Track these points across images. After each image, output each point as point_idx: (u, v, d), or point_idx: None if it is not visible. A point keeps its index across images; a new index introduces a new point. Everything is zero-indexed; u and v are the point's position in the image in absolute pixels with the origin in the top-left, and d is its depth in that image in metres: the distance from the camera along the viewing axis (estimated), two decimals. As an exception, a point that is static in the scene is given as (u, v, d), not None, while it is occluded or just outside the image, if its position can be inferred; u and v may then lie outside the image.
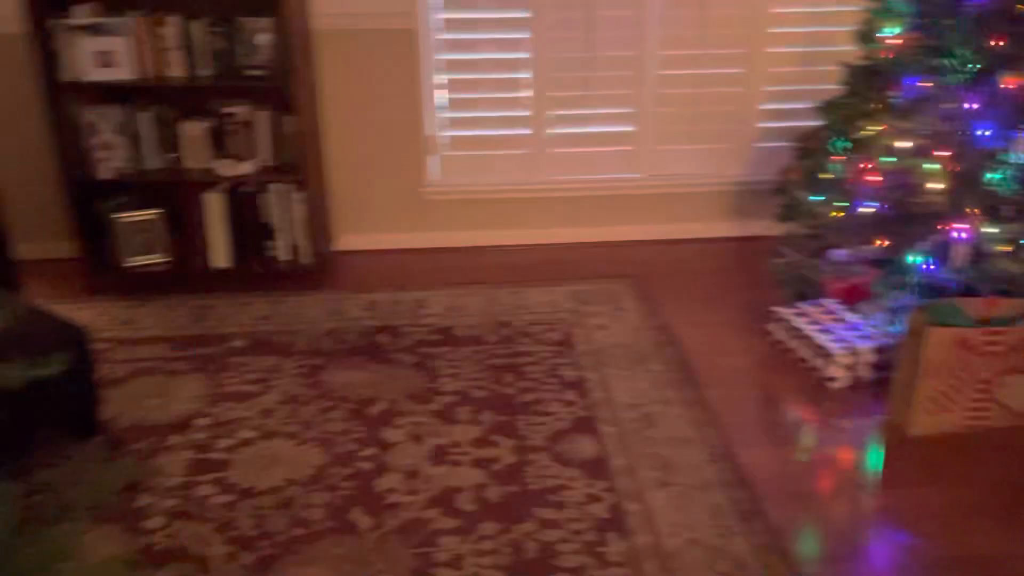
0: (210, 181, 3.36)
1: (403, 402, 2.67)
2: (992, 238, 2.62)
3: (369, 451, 2.44)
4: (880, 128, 2.80)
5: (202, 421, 2.58)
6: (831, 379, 2.72)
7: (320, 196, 3.57)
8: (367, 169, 3.73)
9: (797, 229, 3.16)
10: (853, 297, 3.06)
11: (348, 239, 3.84)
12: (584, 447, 2.45)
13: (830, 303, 3.00)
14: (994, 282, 2.63)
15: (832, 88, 3.51)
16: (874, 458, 2.42)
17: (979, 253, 2.67)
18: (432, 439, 2.49)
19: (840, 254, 3.23)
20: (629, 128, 3.75)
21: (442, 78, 3.62)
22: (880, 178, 2.77)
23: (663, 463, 2.38)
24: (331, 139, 3.66)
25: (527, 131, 3.71)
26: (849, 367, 2.71)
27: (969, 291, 2.70)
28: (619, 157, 3.81)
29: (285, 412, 2.63)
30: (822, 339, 2.76)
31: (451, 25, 3.54)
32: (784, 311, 2.96)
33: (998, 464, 2.35)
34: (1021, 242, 2.63)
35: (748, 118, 3.77)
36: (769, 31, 3.62)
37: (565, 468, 2.36)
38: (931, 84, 2.66)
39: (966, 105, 2.60)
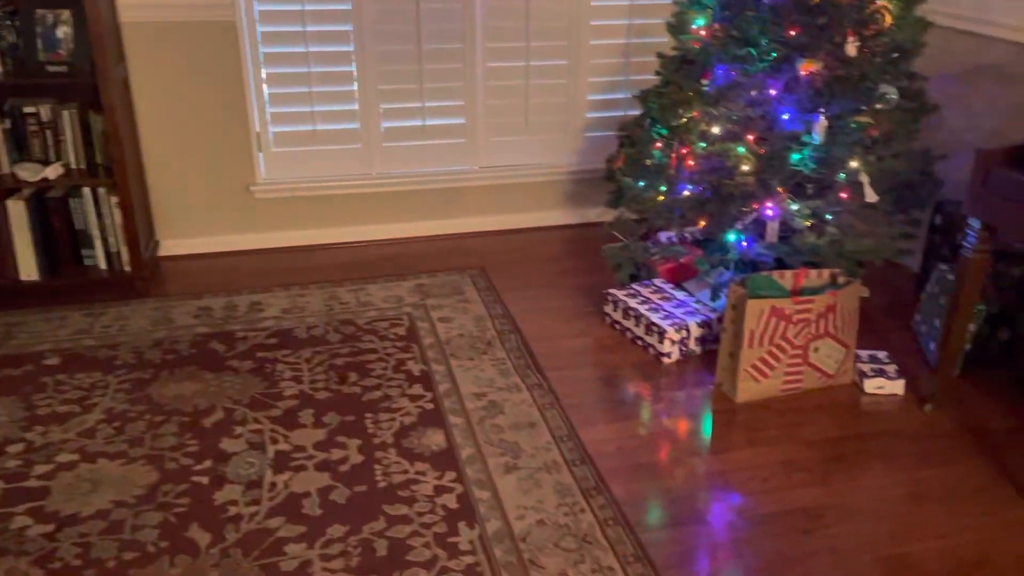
0: (11, 188, 3.08)
1: (241, 410, 2.56)
2: (798, 214, 2.84)
3: (205, 464, 2.32)
4: (694, 115, 2.96)
5: (13, 448, 2.37)
6: (664, 355, 2.86)
7: (139, 199, 3.35)
8: (191, 169, 3.54)
9: (626, 214, 3.29)
10: (679, 276, 3.22)
11: (174, 243, 3.63)
12: (432, 440, 2.45)
13: (660, 283, 3.14)
14: (802, 255, 2.86)
15: (651, 78, 3.69)
16: (706, 426, 2.56)
17: (788, 228, 2.89)
18: (274, 446, 2.41)
19: (665, 236, 3.39)
20: (460, 121, 3.77)
21: (268, 72, 3.49)
22: (696, 163, 2.94)
23: (510, 448, 2.41)
24: (149, 138, 3.44)
25: (356, 125, 3.65)
26: (679, 342, 2.86)
27: (781, 264, 2.92)
28: (453, 150, 3.82)
29: (109, 431, 2.45)
30: (654, 317, 2.89)
31: (272, 17, 3.42)
32: (618, 293, 3.07)
33: (813, 424, 2.55)
34: (828, 216, 2.87)
35: (576, 108, 3.88)
36: (592, 24, 3.74)
37: (414, 463, 2.35)
38: (737, 72, 2.84)
39: (769, 91, 2.80)
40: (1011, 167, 2.23)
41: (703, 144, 2.94)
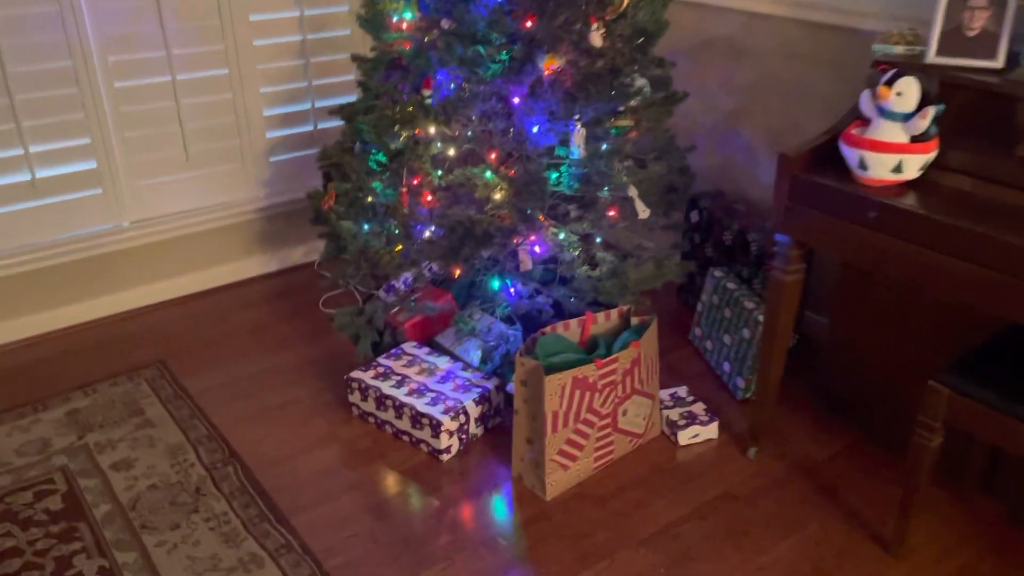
0: None
1: None
2: (566, 243, 2.32)
3: None
4: (417, 134, 2.30)
5: None
6: (442, 452, 2.21)
7: None
8: None
9: (350, 265, 2.56)
10: (429, 331, 2.58)
11: None
12: None
13: (412, 348, 2.47)
14: (583, 294, 2.35)
15: (341, 81, 2.96)
16: (520, 547, 1.97)
17: (559, 262, 2.35)
18: None
19: (405, 284, 2.72)
20: (89, 165, 2.73)
21: None
22: (435, 197, 2.29)
23: None
24: None
25: (-72, 195, 2.47)
26: (458, 431, 2.23)
27: (559, 309, 2.40)
28: (86, 206, 2.77)
29: None
30: (421, 405, 2.22)
31: None
32: (363, 376, 2.35)
33: (641, 510, 2.08)
34: (598, 239, 2.38)
35: (251, 129, 3.01)
36: (252, 19, 2.88)
37: None
38: (468, 78, 2.21)
39: (512, 99, 2.22)
40: (814, 171, 1.88)
41: (439, 172, 2.29)
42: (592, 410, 2.06)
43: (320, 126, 3.15)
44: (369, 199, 2.42)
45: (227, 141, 2.98)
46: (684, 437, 2.26)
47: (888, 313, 2.15)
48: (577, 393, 2.01)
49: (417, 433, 2.24)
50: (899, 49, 1.96)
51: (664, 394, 2.38)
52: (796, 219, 1.90)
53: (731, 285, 2.54)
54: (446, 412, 2.19)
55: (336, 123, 3.09)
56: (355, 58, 2.52)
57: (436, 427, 2.18)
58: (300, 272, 3.25)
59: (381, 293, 2.79)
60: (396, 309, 2.59)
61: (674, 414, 2.30)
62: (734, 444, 2.27)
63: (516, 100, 2.22)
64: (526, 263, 2.37)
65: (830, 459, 2.22)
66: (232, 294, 3.08)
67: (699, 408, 2.33)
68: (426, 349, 2.47)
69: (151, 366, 2.62)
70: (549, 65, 2.20)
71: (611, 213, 2.34)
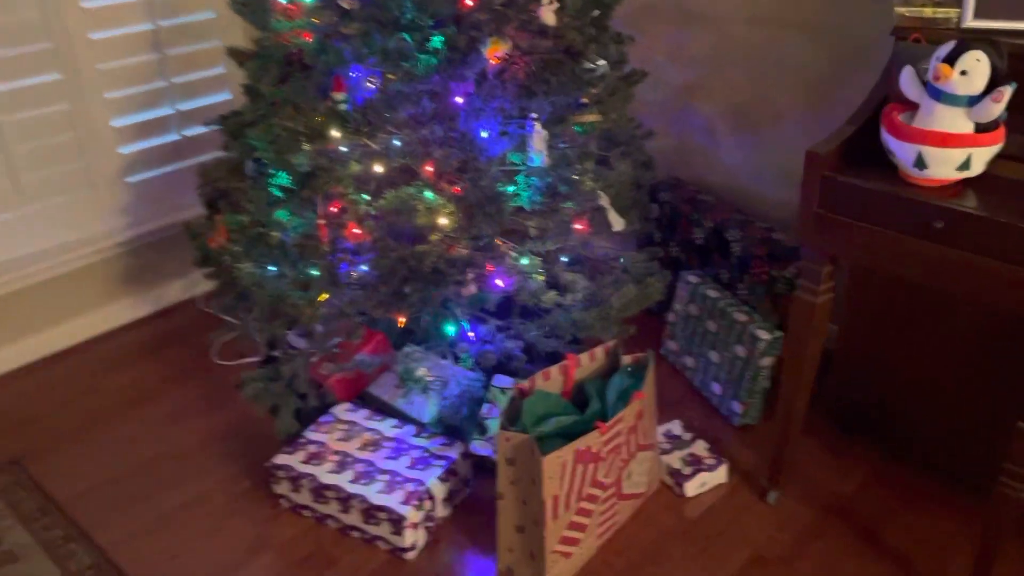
0: None
1: None
2: (530, 270, 1.89)
3: None
4: (330, 150, 1.79)
5: None
6: (406, 550, 1.76)
7: None
8: None
9: (255, 320, 2.03)
10: (357, 386, 2.11)
11: None
12: None
13: (345, 413, 1.99)
14: (558, 332, 1.94)
15: (208, 76, 2.42)
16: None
17: (526, 293, 1.91)
18: None
19: (322, 330, 2.21)
20: None
21: None
22: (364, 228, 1.80)
23: None
24: None
25: None
26: (423, 519, 1.78)
27: (530, 351, 1.98)
28: None
29: None
30: (374, 496, 1.75)
31: None
32: (289, 459, 1.85)
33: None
34: (564, 259, 1.96)
35: (98, 145, 2.39)
36: (84, 5, 2.25)
37: None
38: (391, 76, 1.72)
39: (453, 98, 1.75)
40: (847, 170, 1.52)
41: (364, 196, 1.80)
42: (596, 483, 1.66)
43: (186, 132, 2.56)
44: (272, 234, 1.90)
45: (68, 164, 2.35)
46: (691, 488, 1.91)
47: (912, 318, 1.85)
48: (579, 468, 1.60)
49: (372, 529, 1.78)
50: (927, 11, 1.62)
51: (659, 435, 2.01)
52: (829, 230, 1.54)
53: (712, 293, 2.18)
54: (406, 501, 1.74)
55: (210, 129, 2.53)
56: (233, 53, 1.97)
57: (397, 523, 1.72)
58: (180, 313, 2.66)
59: (292, 337, 2.27)
60: (314, 358, 2.09)
61: (675, 460, 1.94)
62: (747, 487, 1.94)
63: (459, 99, 1.74)
64: (469, 288, 1.92)
65: (859, 492, 1.92)
66: (98, 352, 2.48)
67: (701, 448, 1.98)
68: (364, 412, 2.00)
69: (3, 470, 2.02)
70: (493, 52, 1.73)
71: (578, 227, 1.93)
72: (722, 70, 2.35)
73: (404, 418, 1.99)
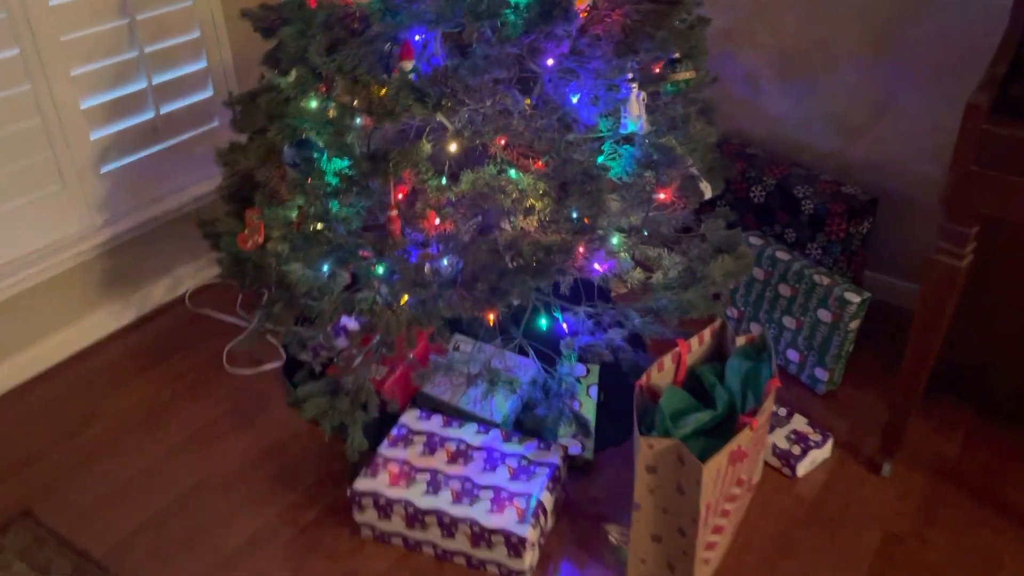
0: None
1: None
2: (618, 248, 1.70)
3: None
4: (401, 127, 1.53)
5: None
6: (522, 572, 1.58)
7: None
8: None
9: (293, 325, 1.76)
10: (411, 387, 1.89)
11: None
12: None
13: (416, 422, 1.77)
14: (660, 315, 1.76)
15: (177, 44, 2.12)
16: None
17: (621, 279, 1.73)
18: None
19: (345, 320, 1.97)
20: None
21: None
22: (444, 217, 1.56)
23: None
24: None
25: None
26: (539, 539, 1.60)
27: (636, 341, 1.80)
28: None
29: None
30: (480, 516, 1.55)
31: None
32: (374, 484, 1.63)
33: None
34: (644, 233, 1.78)
35: (68, 131, 2.03)
36: (41, -36, 1.87)
37: None
38: (474, 38, 1.47)
39: (545, 61, 1.51)
40: (1003, 122, 1.39)
41: (440, 181, 1.55)
42: (739, 482, 1.52)
43: (164, 110, 2.21)
44: (319, 227, 1.63)
45: (33, 155, 1.98)
46: (803, 468, 1.80)
47: (1005, 264, 1.77)
48: (729, 470, 1.46)
49: (481, 554, 1.59)
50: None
51: (751, 412, 1.89)
52: (986, 189, 1.42)
53: (782, 255, 2.05)
54: (522, 520, 1.55)
55: (188, 102, 2.21)
56: (248, 14, 1.67)
57: (516, 546, 1.54)
58: (169, 315, 2.35)
59: (324, 336, 2.01)
60: (356, 361, 1.84)
61: (779, 439, 1.82)
62: (852, 459, 1.84)
63: (550, 62, 1.51)
64: (570, 275, 1.72)
65: (966, 454, 1.85)
66: (87, 370, 2.15)
67: (802, 424, 1.87)
68: (437, 419, 1.78)
69: (13, 523, 1.71)
70: (581, 2, 1.51)
71: (661, 197, 1.74)
72: (766, 12, 2.19)
73: (474, 420, 1.79)
